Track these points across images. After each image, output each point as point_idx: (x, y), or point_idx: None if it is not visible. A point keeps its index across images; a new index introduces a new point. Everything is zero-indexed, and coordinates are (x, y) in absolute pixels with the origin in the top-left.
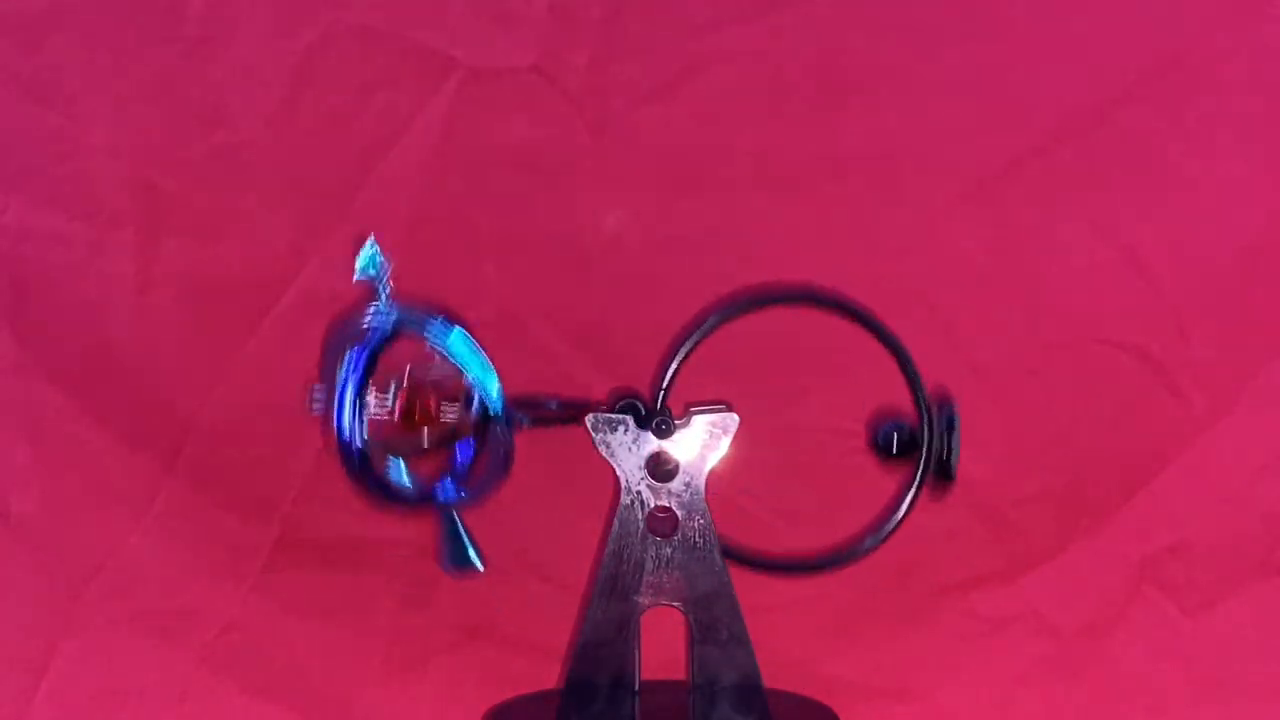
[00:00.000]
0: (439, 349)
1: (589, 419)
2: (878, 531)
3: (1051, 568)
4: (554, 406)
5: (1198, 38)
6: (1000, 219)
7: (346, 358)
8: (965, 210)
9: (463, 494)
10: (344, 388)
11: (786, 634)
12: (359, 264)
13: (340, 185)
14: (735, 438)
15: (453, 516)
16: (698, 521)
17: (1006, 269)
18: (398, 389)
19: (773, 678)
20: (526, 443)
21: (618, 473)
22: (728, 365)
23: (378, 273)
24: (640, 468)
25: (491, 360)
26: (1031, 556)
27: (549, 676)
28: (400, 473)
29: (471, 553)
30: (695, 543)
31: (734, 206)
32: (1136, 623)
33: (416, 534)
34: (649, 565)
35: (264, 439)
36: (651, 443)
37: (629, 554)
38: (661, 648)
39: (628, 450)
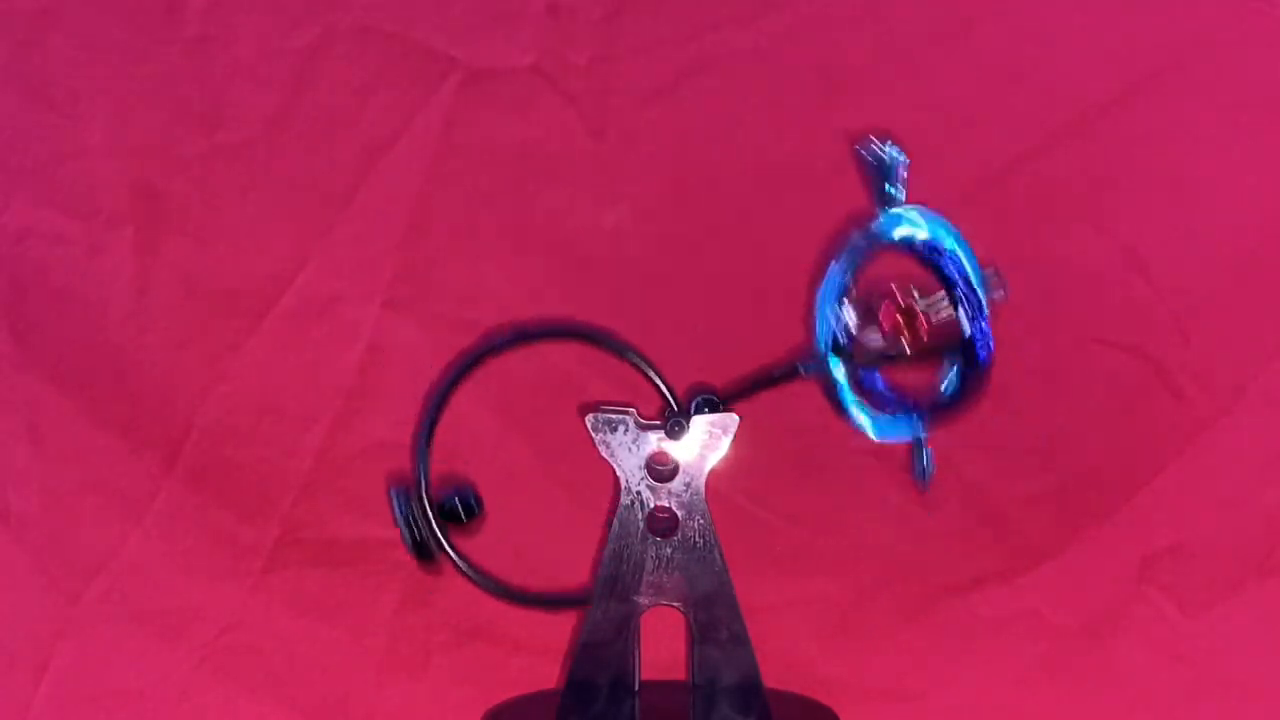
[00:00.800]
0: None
1: (589, 419)
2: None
3: (1051, 568)
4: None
5: (1198, 37)
6: (1000, 219)
7: (829, 270)
8: (965, 210)
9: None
10: (825, 301)
11: (786, 634)
12: (878, 154)
13: (340, 185)
14: (735, 437)
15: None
16: (698, 521)
17: (1006, 269)
18: (883, 308)
19: (773, 678)
20: (526, 443)
21: (618, 473)
22: (727, 365)
23: (897, 167)
24: (640, 468)
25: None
26: (1031, 556)
27: (549, 677)
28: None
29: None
30: (695, 543)
31: (733, 206)
32: (1136, 623)
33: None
34: (649, 565)
35: (264, 439)
36: (651, 443)
37: (629, 554)
38: (661, 648)
39: (628, 450)
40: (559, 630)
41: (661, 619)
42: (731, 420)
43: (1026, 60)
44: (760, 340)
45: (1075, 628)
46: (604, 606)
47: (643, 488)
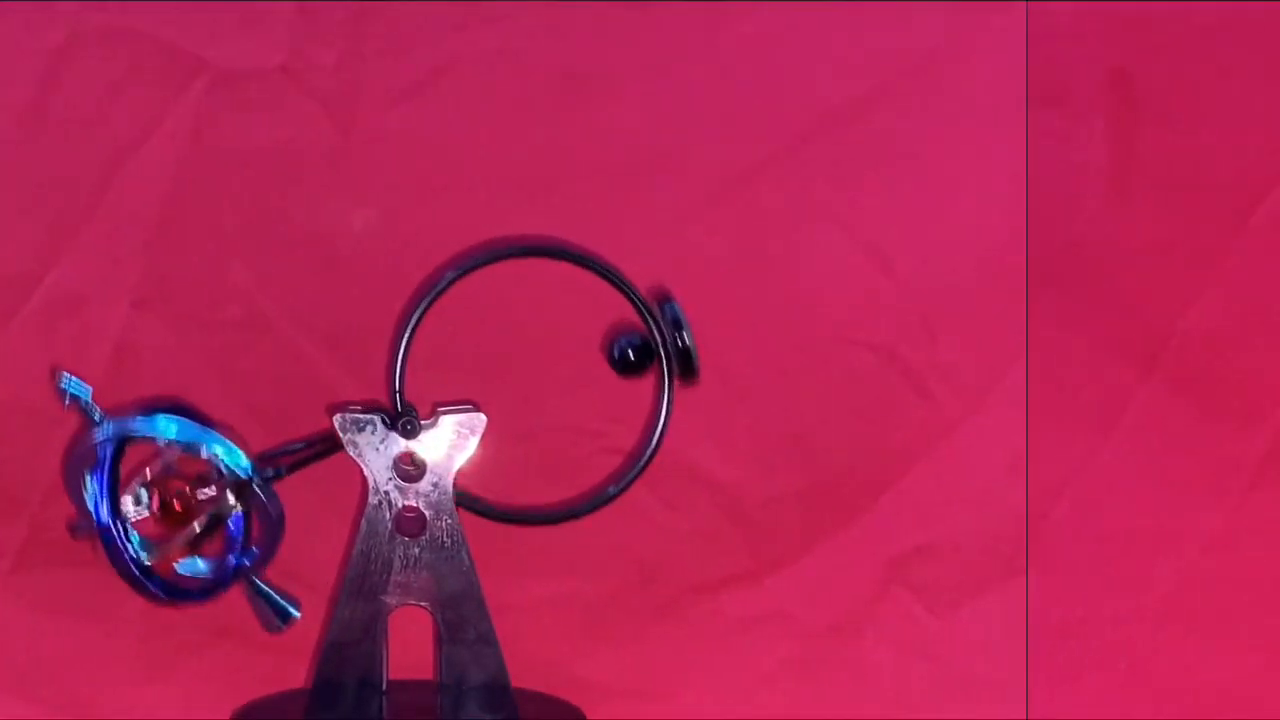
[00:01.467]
0: (169, 441)
1: (336, 419)
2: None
3: (799, 568)
4: (301, 447)
5: (941, 38)
6: (748, 219)
7: (88, 484)
8: (712, 210)
9: (250, 559)
10: (98, 511)
11: (534, 634)
12: (65, 390)
13: (89, 185)
14: (482, 437)
15: (254, 581)
16: (445, 521)
17: (754, 269)
18: (148, 490)
19: (520, 677)
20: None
21: (365, 473)
22: (475, 365)
23: (84, 397)
24: (388, 468)
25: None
26: (779, 557)
27: (297, 676)
28: (195, 564)
29: (287, 605)
30: (443, 543)
31: (482, 206)
32: (883, 622)
33: None
34: (397, 565)
35: (12, 438)
36: (399, 443)
37: (377, 554)
38: (410, 648)
39: (375, 450)
40: (307, 630)
41: (411, 619)
42: (479, 420)
43: (771, 65)
44: (508, 339)
45: (823, 627)
46: (351, 606)
47: (391, 488)
